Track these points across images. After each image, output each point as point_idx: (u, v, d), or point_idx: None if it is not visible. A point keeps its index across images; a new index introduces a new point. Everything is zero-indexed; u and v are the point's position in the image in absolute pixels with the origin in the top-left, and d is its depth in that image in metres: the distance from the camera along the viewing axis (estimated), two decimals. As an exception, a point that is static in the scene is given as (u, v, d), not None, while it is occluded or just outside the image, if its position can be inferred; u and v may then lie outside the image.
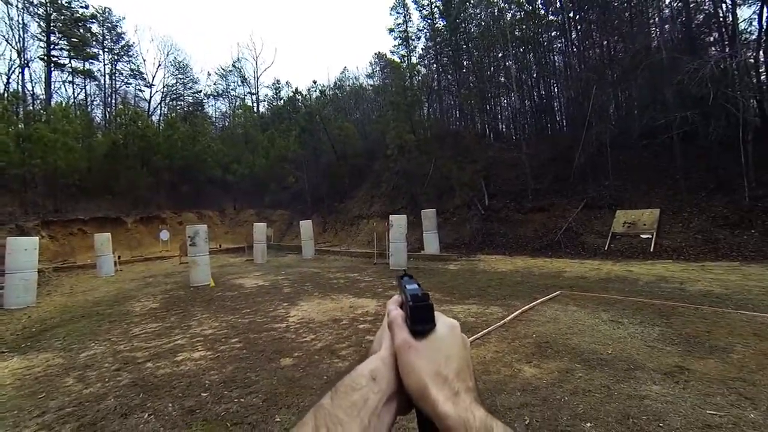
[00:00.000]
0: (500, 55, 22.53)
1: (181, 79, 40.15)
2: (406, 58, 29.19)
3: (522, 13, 22.12)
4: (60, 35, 33.46)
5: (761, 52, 13.97)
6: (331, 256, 16.29)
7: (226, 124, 40.86)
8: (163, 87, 37.80)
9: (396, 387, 0.41)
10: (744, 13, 15.04)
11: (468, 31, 24.55)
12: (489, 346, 4.38)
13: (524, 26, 21.62)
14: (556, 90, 23.06)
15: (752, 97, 13.45)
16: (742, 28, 14.56)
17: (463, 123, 25.54)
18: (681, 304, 5.70)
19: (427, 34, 27.54)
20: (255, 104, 41.12)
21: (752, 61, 13.75)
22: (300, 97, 32.22)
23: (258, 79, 41.68)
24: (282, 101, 38.42)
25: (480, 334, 4.74)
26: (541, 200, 14.93)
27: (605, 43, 18.99)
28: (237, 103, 39.26)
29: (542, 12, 22.03)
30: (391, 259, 12.07)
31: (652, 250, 10.54)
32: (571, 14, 20.60)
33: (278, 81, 42.72)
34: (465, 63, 24.70)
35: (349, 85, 40.57)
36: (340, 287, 8.69)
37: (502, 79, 22.22)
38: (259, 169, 29.83)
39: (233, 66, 41.24)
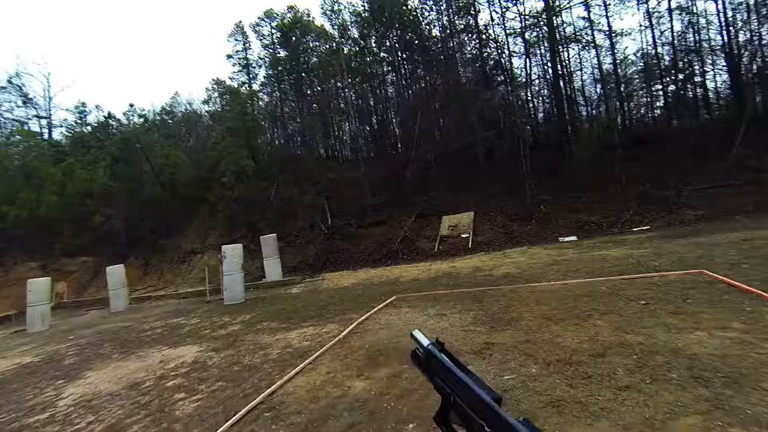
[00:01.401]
0: (339, 84, 23.68)
1: None
2: (246, 85, 27.64)
3: (357, 48, 23.90)
4: None
5: (528, 91, 18.48)
6: (153, 303, 13.51)
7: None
8: None
9: None
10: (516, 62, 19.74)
11: (308, 62, 25.04)
12: (321, 369, 3.99)
13: (359, 59, 23.28)
14: (390, 115, 25.40)
15: (527, 123, 17.57)
16: (516, 73, 19.04)
17: (305, 148, 25.55)
18: (489, 287, 6.55)
19: (268, 62, 26.91)
20: (46, 130, 31.90)
21: (524, 96, 18.02)
22: (114, 122, 26.74)
23: (51, 99, 32.53)
24: (89, 127, 30.87)
25: (311, 358, 4.32)
26: (379, 214, 15.84)
27: (427, 78, 22.04)
28: (10, 129, 29.72)
29: (375, 49, 24.17)
30: (226, 294, 10.69)
31: (470, 246, 12.25)
32: (399, 53, 23.42)
33: (84, 104, 33.98)
34: (307, 91, 25.07)
35: (180, 111, 35.79)
36: (153, 339, 7.04)
37: (342, 106, 23.33)
38: (47, 209, 23.17)
39: (8, 82, 30.98)
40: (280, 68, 25.77)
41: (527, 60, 18.30)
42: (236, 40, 28.10)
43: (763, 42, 15.49)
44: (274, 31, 26.40)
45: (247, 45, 28.16)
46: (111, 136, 25.22)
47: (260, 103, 25.11)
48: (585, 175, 13.97)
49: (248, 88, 27.23)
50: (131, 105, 37.83)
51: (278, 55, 26.18)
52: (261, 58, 27.78)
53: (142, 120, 26.72)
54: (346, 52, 23.15)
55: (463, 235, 13.03)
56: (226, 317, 8.30)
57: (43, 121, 32.71)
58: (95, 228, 23.68)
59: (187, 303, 12.01)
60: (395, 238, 14.15)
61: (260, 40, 27.01)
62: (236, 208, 19.31)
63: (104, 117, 28.05)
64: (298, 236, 17.10)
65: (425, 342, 0.48)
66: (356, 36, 24.31)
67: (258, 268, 14.38)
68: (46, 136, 31.87)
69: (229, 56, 28.13)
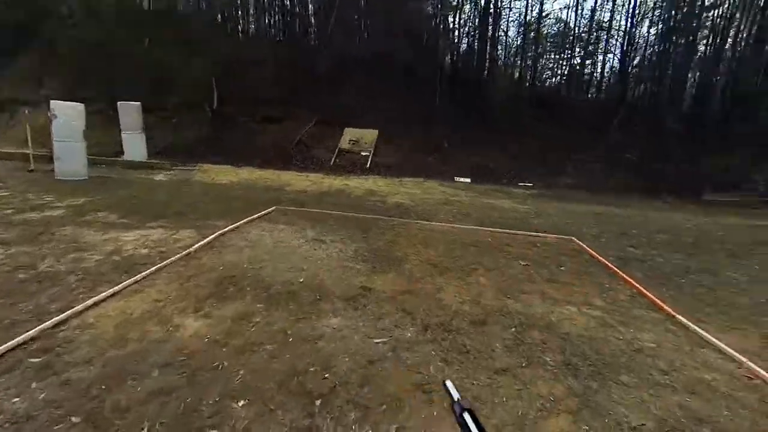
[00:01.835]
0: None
1: None
2: None
3: None
4: None
5: (456, 17, 16.85)
6: None
7: None
8: None
9: None
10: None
11: None
12: (150, 292, 3.04)
13: None
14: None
15: (449, 49, 16.48)
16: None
17: (201, 6, 20.13)
18: (379, 216, 6.11)
19: None
20: None
21: (452, 21, 16.46)
22: None
23: None
24: None
25: (142, 274, 3.30)
26: (277, 110, 13.84)
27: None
28: None
29: None
30: (58, 166, 8.26)
31: (368, 166, 11.65)
32: None
33: None
34: None
35: None
36: None
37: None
38: None
39: None
40: None
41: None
42: None
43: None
44: None
45: None
46: None
47: None
48: (492, 121, 14.18)
49: None
50: None
51: None
52: None
53: None
54: None
55: (363, 153, 12.31)
56: (50, 196, 6.35)
57: None
58: None
59: (3, 167, 9.09)
60: (291, 140, 12.66)
61: None
62: (88, 57, 14.68)
63: None
64: (175, 114, 14.08)
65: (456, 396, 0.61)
66: None
67: (117, 143, 11.52)
68: None
69: None
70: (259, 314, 2.77)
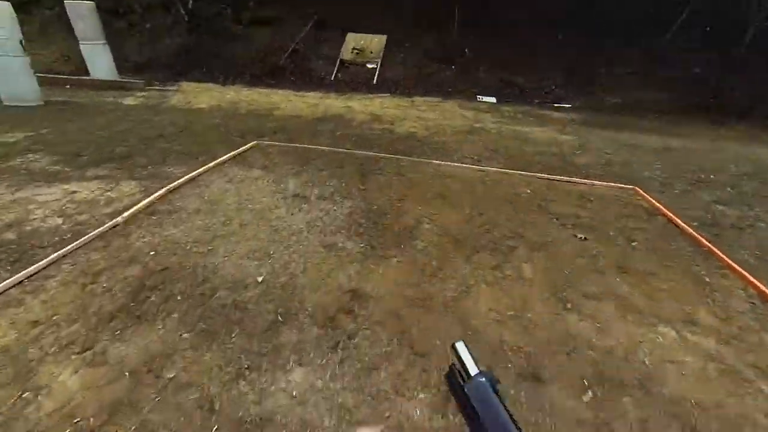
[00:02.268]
0: None
1: None
2: None
3: None
4: None
5: None
6: None
7: None
8: None
9: None
10: None
11: None
12: (30, 305, 2.03)
13: None
14: None
15: None
16: None
17: None
18: (384, 154, 4.80)
19: None
20: None
21: None
22: None
23: None
24: None
25: (31, 268, 2.26)
26: (264, 10, 11.49)
27: None
28: None
29: None
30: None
31: (375, 82, 9.82)
32: None
33: None
34: None
35: None
36: None
37: None
38: None
39: None
40: None
41: None
42: None
43: None
44: None
45: None
46: None
47: None
48: (517, 27, 11.61)
49: None
50: None
51: None
52: None
53: None
54: None
55: (370, 65, 10.35)
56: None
57: None
58: None
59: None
60: (284, 49, 10.64)
61: None
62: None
63: None
64: (146, 18, 11.87)
65: (473, 371, 0.36)
66: None
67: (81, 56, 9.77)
68: None
69: None
70: (179, 358, 1.75)
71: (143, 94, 8.42)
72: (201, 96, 8.24)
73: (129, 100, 7.79)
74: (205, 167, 3.99)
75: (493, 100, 9.22)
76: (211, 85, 9.53)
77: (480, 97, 9.36)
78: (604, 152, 5.72)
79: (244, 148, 4.74)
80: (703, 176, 4.95)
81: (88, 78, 9.12)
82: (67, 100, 7.55)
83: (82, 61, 9.24)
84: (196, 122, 6.09)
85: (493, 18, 11.85)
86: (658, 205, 3.83)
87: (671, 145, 6.46)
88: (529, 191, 4.03)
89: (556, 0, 12.05)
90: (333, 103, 7.85)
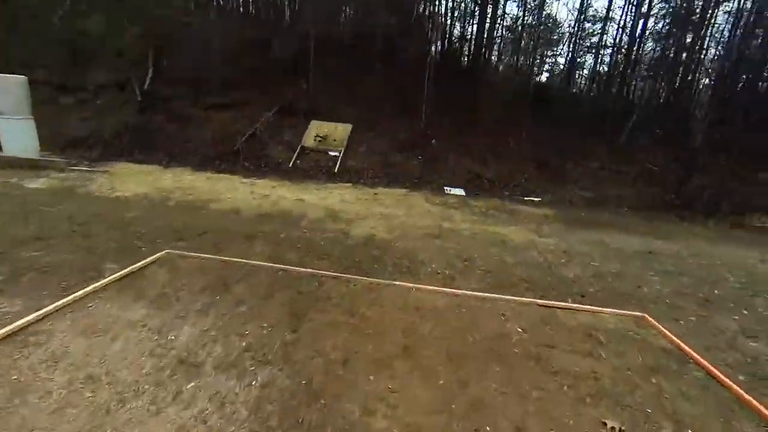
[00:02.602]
0: None
1: None
2: None
3: None
4: None
5: None
6: None
7: None
8: None
9: None
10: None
11: None
12: None
13: None
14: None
15: (441, 29, 14.01)
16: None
17: None
18: (334, 273, 3.75)
19: None
20: None
21: None
22: None
23: None
24: None
25: None
26: (227, 95, 11.15)
27: None
28: None
29: None
30: None
31: (336, 170, 9.21)
32: None
33: None
34: None
35: None
36: None
37: None
38: None
39: None
40: None
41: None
42: None
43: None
44: None
45: None
46: None
47: None
48: (487, 119, 11.93)
49: None
50: None
51: None
52: None
53: None
54: None
55: (332, 153, 9.85)
56: None
57: None
58: None
59: None
60: (242, 133, 10.05)
61: None
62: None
63: None
64: (98, 94, 11.19)
65: None
66: None
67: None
68: None
69: None
70: None
71: (60, 175, 7.23)
72: (130, 181, 7.15)
73: (37, 183, 6.57)
74: (59, 302, 2.73)
75: (461, 192, 8.75)
76: (151, 167, 8.53)
77: (448, 189, 8.88)
78: (591, 260, 4.98)
79: (144, 262, 3.56)
80: (706, 291, 4.24)
81: None
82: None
83: None
84: (104, 217, 4.90)
85: (461, 108, 12.11)
86: (682, 345, 2.94)
87: (653, 247, 5.91)
88: (519, 330, 3.03)
89: (520, 95, 12.68)
90: (285, 194, 6.96)
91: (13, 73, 8.42)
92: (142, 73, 11.09)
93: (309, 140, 10.09)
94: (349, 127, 10.61)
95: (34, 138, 8.25)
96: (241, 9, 16.32)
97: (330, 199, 6.83)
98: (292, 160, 9.41)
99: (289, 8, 13.26)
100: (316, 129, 10.36)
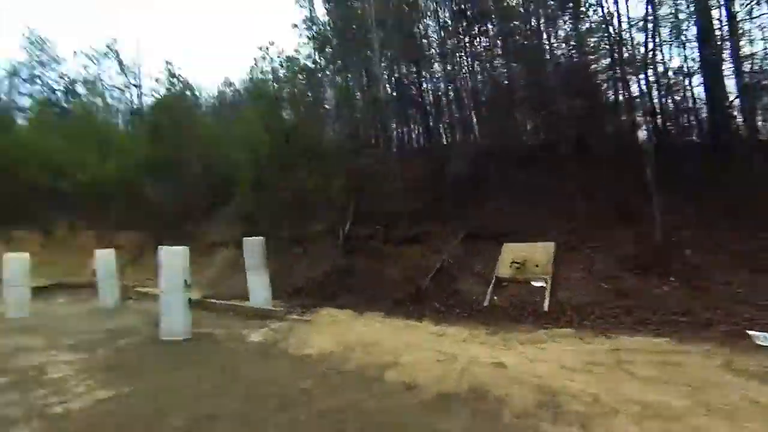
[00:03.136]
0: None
1: (38, 56, 31.28)
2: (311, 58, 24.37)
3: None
4: None
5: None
6: (147, 303, 10.84)
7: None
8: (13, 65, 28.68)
9: None
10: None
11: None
12: None
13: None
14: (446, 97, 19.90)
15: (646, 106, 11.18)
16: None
17: (337, 125, 21.42)
18: None
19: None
20: (137, 98, 32.18)
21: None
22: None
23: (140, 67, 32.38)
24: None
25: None
26: (415, 228, 11.22)
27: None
28: (90, 89, 30.19)
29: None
30: (162, 322, 7.24)
31: (546, 308, 7.03)
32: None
33: (171, 70, 30.87)
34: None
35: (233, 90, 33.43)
36: None
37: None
38: (106, 178, 22.58)
39: (108, 48, 31.28)
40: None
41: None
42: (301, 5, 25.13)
43: None
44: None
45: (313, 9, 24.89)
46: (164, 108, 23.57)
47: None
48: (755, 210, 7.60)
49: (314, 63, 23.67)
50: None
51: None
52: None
53: (191, 94, 24.74)
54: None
55: (536, 283, 7.81)
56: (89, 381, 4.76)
57: (135, 89, 33.04)
58: (144, 203, 22.65)
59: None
60: (430, 268, 9.42)
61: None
62: (256, 197, 16.22)
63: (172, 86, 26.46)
64: (316, 242, 13.32)
65: None
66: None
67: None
68: (136, 103, 32.29)
69: (295, 25, 25.41)
70: None
71: (275, 326, 7.87)
72: (325, 331, 7.07)
73: (257, 334, 7.21)
74: None
75: (780, 340, 4.97)
76: (347, 313, 8.56)
77: (752, 332, 5.24)
78: None
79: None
80: None
81: (242, 305, 9.56)
82: (209, 333, 7.52)
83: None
84: (281, 387, 4.45)
85: (716, 198, 8.35)
86: None
87: None
88: None
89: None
90: (479, 353, 5.29)
91: (264, 231, 10.79)
92: (344, 218, 12.59)
93: (504, 269, 8.49)
94: (551, 246, 8.54)
95: (268, 289, 9.79)
96: (417, 141, 17.91)
97: (541, 364, 4.73)
98: (487, 297, 7.86)
99: (461, 128, 13.40)
100: (510, 254, 8.76)
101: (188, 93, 25.45)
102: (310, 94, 20.65)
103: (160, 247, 7.78)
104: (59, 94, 31.24)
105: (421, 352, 5.51)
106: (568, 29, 13.22)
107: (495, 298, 7.81)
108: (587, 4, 12.10)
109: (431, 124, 19.19)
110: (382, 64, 16.99)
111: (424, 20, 18.37)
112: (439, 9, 17.65)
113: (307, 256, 12.88)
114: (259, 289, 9.62)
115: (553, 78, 11.47)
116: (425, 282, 8.84)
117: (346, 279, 10.61)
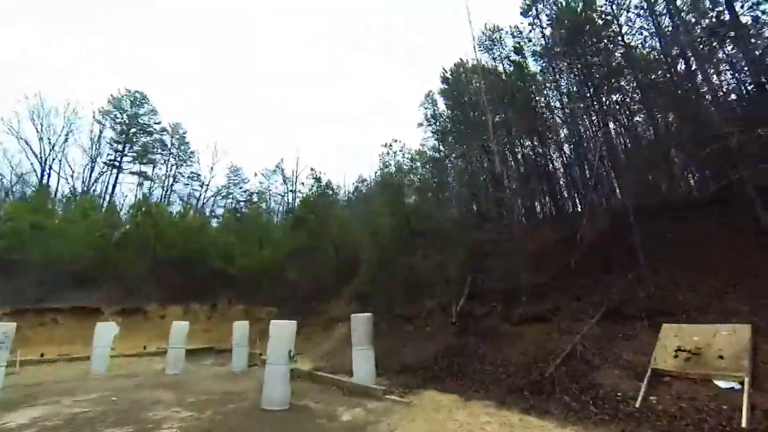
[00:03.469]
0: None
1: (233, 179, 42.86)
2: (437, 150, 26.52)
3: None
4: (129, 144, 38.49)
5: None
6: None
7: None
8: (215, 186, 40.39)
9: None
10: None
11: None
12: None
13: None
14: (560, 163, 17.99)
15: None
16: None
17: (458, 204, 20.99)
18: None
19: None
20: (293, 201, 39.77)
21: None
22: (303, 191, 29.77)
23: (297, 176, 40.55)
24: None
25: None
26: (539, 304, 9.49)
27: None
28: (259, 198, 38.49)
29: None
30: (264, 392, 7.35)
31: (744, 423, 4.62)
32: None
33: (315, 174, 39.29)
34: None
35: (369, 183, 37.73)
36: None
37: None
38: (260, 264, 27.02)
39: (276, 167, 41.26)
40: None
41: None
42: (425, 107, 28.01)
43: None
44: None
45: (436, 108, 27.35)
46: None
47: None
48: None
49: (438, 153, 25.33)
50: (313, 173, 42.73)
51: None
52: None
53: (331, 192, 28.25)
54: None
55: (723, 384, 5.35)
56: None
57: (291, 195, 40.91)
58: (285, 283, 25.76)
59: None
60: (558, 352, 7.56)
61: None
62: (374, 274, 16.60)
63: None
64: (429, 320, 12.49)
65: None
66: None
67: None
68: (291, 204, 39.89)
69: (420, 124, 28.09)
70: None
71: (372, 405, 7.19)
72: (420, 418, 6.08)
73: (349, 414, 6.61)
74: None
75: None
76: (452, 398, 7.33)
77: None
78: None
79: None
80: None
81: (345, 380, 9.15)
82: (306, 406, 7.31)
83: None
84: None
85: None
86: None
87: None
88: None
89: None
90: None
91: (384, 311, 10.60)
92: (460, 295, 11.59)
93: (666, 358, 6.18)
94: (745, 330, 5.95)
95: (371, 365, 9.27)
96: (543, 210, 16.05)
97: None
98: (641, 395, 5.69)
99: (591, 189, 11.41)
100: (675, 339, 6.41)
101: (329, 191, 29.96)
102: (435, 179, 21.79)
103: (272, 321, 8.25)
104: (242, 203, 41.11)
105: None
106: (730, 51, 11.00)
107: (653, 398, 5.58)
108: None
109: (562, 191, 17.52)
110: (497, 140, 16.76)
111: (545, 92, 18.06)
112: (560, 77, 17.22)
113: (419, 334, 12.05)
114: (363, 365, 9.17)
115: (717, 110, 9.35)
116: (550, 367, 7.04)
117: (455, 360, 9.36)
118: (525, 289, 10.10)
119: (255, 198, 37.93)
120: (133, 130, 38.06)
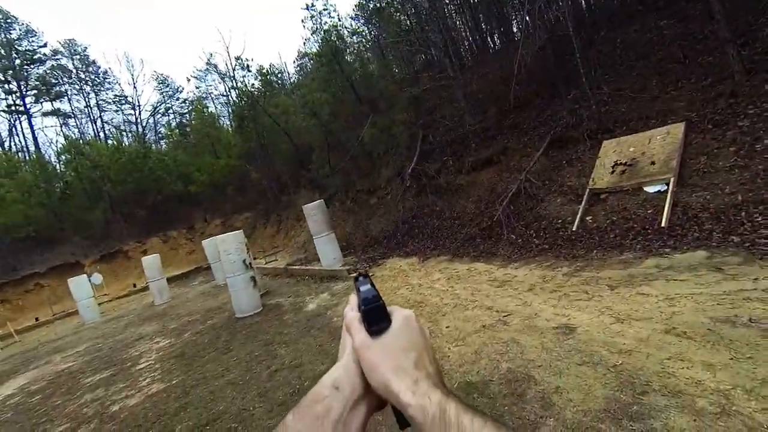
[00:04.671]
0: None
1: (165, 91, 37.63)
2: None
3: None
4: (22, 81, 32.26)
5: None
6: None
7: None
8: (150, 105, 35.11)
9: (363, 389, 0.43)
10: None
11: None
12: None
13: None
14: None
15: None
16: None
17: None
18: None
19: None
20: (236, 97, 35.51)
21: None
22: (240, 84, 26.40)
23: (234, 69, 35.30)
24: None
25: None
26: (487, 148, 9.18)
27: None
28: (199, 105, 34.25)
29: None
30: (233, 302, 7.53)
31: (665, 222, 4.74)
32: None
33: (245, 64, 33.28)
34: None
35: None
36: None
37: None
38: (219, 173, 25.79)
39: (207, 65, 35.20)
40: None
41: None
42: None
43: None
44: None
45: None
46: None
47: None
48: None
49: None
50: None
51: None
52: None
53: (260, 75, 24.97)
54: None
55: (651, 189, 5.38)
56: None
57: (233, 92, 36.17)
58: (249, 187, 25.00)
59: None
60: (506, 193, 7.56)
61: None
62: (321, 159, 15.86)
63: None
64: (387, 190, 12.39)
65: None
66: None
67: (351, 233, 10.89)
68: (234, 101, 35.88)
69: None
70: None
71: (338, 287, 7.48)
72: (382, 288, 6.26)
73: (313, 304, 6.89)
74: None
75: None
76: (412, 261, 7.62)
77: None
78: None
79: None
80: None
81: (314, 268, 9.46)
82: (278, 304, 7.62)
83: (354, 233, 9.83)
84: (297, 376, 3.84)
85: None
86: None
87: None
88: None
89: None
90: (543, 308, 3.74)
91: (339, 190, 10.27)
92: (410, 156, 11.19)
93: (603, 176, 6.14)
94: (678, 129, 5.74)
95: (336, 248, 9.46)
96: (492, 47, 14.53)
97: (638, 329, 2.96)
98: (578, 218, 5.81)
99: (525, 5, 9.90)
100: (613, 154, 6.28)
101: (272, 77, 26.30)
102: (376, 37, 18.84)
103: (217, 238, 7.94)
104: (185, 115, 36.76)
105: (467, 311, 4.23)
106: None
107: (588, 218, 5.72)
108: None
109: (509, 16, 15.44)
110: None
111: None
112: None
113: (382, 204, 12.10)
114: (327, 251, 9.34)
115: None
116: (498, 211, 7.12)
117: (415, 222, 9.55)
118: (473, 135, 9.68)
119: (195, 106, 33.85)
120: (18, 61, 31.42)
